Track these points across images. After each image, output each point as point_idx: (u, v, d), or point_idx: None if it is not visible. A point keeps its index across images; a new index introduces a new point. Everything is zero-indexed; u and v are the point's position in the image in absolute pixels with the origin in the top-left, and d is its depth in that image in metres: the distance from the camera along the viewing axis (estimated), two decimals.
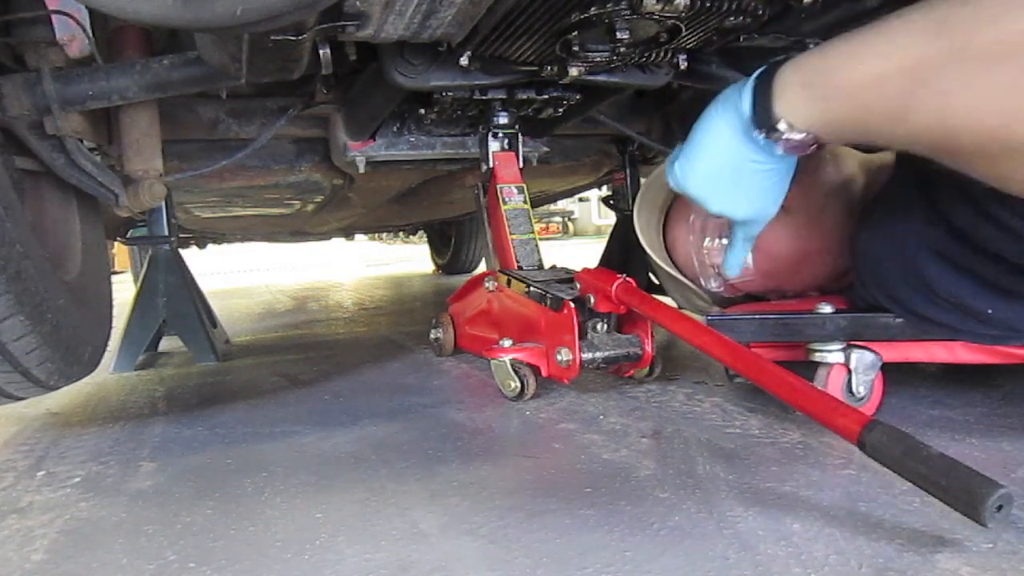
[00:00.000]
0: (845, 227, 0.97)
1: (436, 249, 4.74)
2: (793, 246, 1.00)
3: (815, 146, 0.70)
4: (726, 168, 0.76)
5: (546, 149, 1.62)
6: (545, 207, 8.09)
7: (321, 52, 0.97)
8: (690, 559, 0.59)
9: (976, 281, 0.80)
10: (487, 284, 1.32)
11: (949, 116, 0.57)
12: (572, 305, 1.06)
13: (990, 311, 0.81)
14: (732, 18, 0.96)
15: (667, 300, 1.10)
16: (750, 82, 0.71)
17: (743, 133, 0.73)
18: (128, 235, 2.40)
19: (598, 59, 1.04)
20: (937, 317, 0.84)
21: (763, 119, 0.70)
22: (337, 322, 2.41)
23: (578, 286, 1.12)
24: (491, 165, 1.42)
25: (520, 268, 1.30)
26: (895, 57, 0.58)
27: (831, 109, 0.65)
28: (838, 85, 0.63)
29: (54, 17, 1.01)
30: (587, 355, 1.06)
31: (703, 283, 1.08)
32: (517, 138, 1.43)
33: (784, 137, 0.69)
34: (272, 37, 0.82)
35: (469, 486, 0.78)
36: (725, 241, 1.03)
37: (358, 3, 0.82)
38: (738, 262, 0.90)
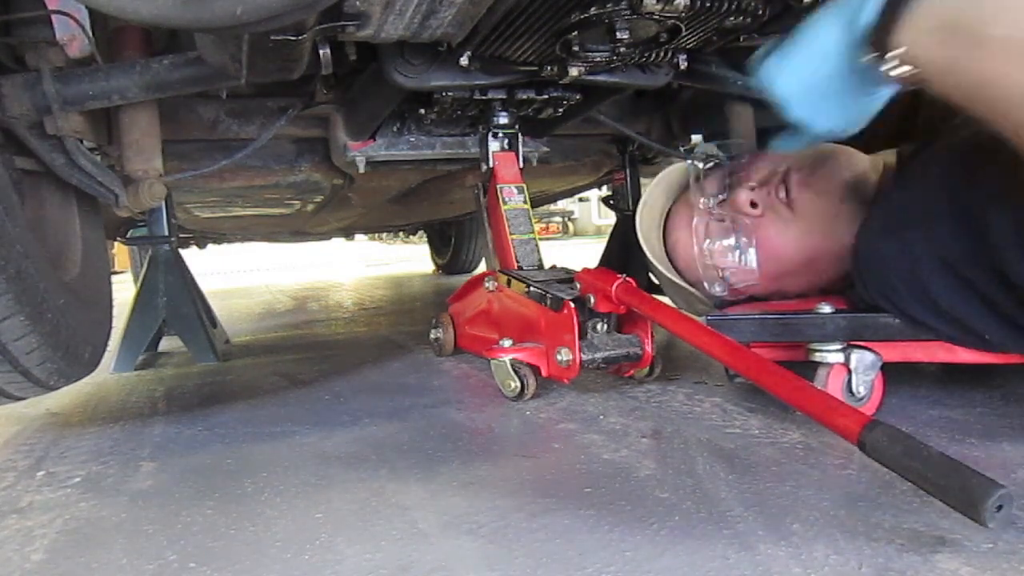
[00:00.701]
0: (854, 229, 0.95)
1: (436, 249, 4.74)
2: (802, 249, 0.99)
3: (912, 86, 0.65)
4: (822, 73, 0.70)
5: (546, 149, 1.62)
6: (545, 207, 8.09)
7: (321, 52, 0.97)
8: (690, 559, 0.59)
9: (982, 303, 0.78)
10: (487, 284, 1.32)
11: None
12: (572, 305, 1.06)
13: (987, 336, 0.80)
14: (732, 18, 0.96)
15: (667, 300, 1.10)
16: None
17: (851, 44, 0.67)
18: (128, 235, 2.39)
19: (598, 59, 1.04)
20: (934, 325, 0.84)
21: (879, 40, 0.63)
22: (337, 322, 2.41)
23: (578, 286, 1.12)
24: (491, 165, 1.42)
25: (520, 268, 1.30)
26: None
27: (965, 63, 0.59)
28: (988, 41, 0.57)
29: (54, 17, 1.01)
30: (587, 355, 1.06)
31: (706, 286, 1.08)
32: (517, 138, 1.43)
33: (890, 70, 0.64)
34: (272, 37, 0.82)
35: (469, 486, 0.78)
36: (728, 243, 1.03)
37: (358, 3, 0.82)
38: (795, 145, 0.81)
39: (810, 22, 0.72)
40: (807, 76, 0.72)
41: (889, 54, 0.63)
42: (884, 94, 0.71)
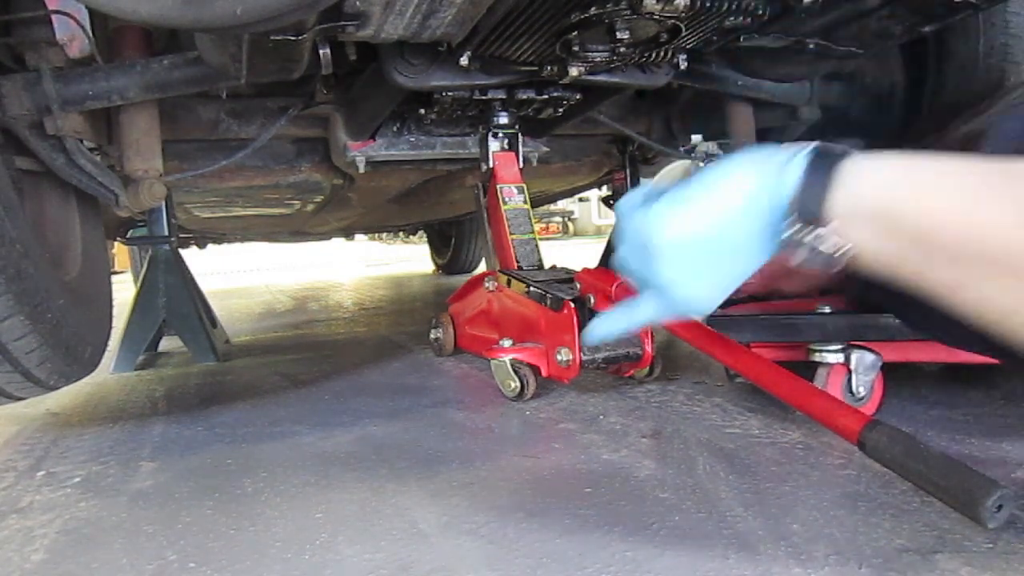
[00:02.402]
0: None
1: (436, 249, 4.74)
2: None
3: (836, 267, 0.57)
4: (720, 233, 0.60)
5: (546, 149, 1.62)
6: (545, 207, 8.09)
7: (321, 52, 0.97)
8: (690, 559, 0.59)
9: None
10: (487, 284, 1.32)
11: None
12: (572, 305, 1.06)
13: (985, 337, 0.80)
14: (732, 18, 0.96)
15: None
16: (802, 156, 0.57)
17: (765, 211, 0.58)
18: (128, 235, 2.39)
19: (598, 59, 1.04)
20: (930, 328, 0.84)
21: (804, 213, 0.56)
22: (337, 322, 2.41)
23: (578, 286, 1.12)
24: (491, 165, 1.42)
25: (520, 268, 1.30)
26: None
27: (898, 255, 0.54)
28: (930, 248, 0.52)
29: (54, 17, 1.01)
30: (587, 355, 1.06)
31: None
32: (517, 138, 1.43)
33: (811, 246, 0.56)
34: (272, 37, 0.82)
35: (469, 486, 0.78)
36: None
37: (358, 3, 0.82)
38: (609, 334, 0.68)
39: (712, 174, 0.62)
40: (701, 232, 0.61)
41: (817, 230, 0.56)
42: (762, 260, 0.62)
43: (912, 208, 0.53)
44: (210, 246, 3.74)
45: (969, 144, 0.78)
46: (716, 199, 0.61)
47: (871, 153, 0.56)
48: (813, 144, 0.57)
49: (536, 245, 1.35)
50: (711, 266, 0.62)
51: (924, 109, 1.44)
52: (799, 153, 0.57)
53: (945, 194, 0.52)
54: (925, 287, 0.54)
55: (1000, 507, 0.55)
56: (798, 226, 0.56)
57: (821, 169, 0.56)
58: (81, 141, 1.10)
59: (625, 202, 0.66)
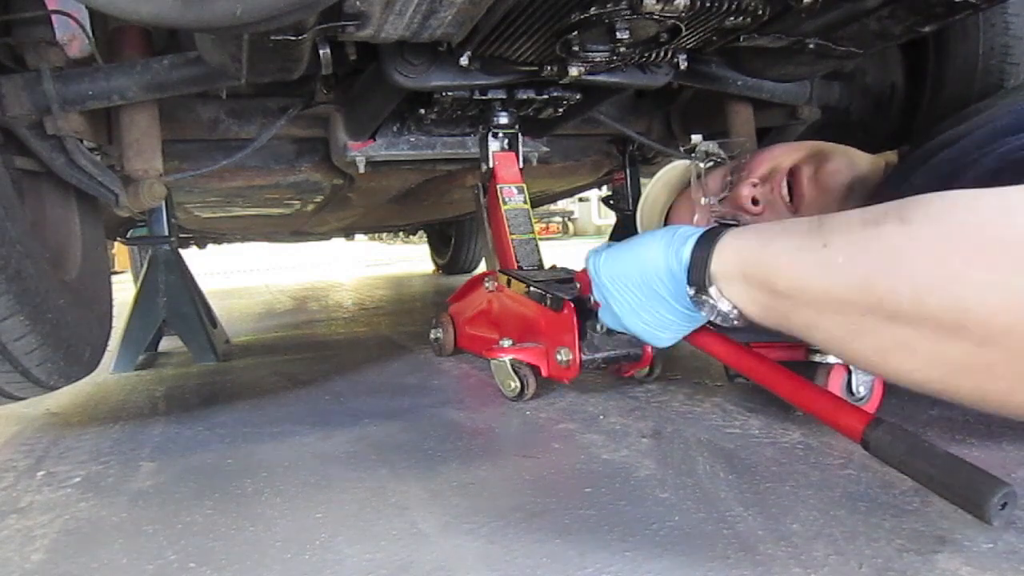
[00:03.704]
0: None
1: (436, 249, 4.74)
2: None
3: (736, 321, 0.70)
4: (643, 286, 0.77)
5: (546, 149, 1.62)
6: (545, 207, 8.09)
7: (321, 52, 0.97)
8: (690, 559, 0.59)
9: None
10: (487, 284, 1.32)
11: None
12: (572, 305, 1.06)
13: None
14: (732, 18, 0.96)
15: None
16: (692, 239, 0.72)
17: (673, 273, 0.74)
18: (128, 235, 2.40)
19: (598, 59, 1.04)
20: None
21: (696, 277, 0.70)
22: (337, 322, 2.41)
23: (578, 286, 1.12)
24: (491, 165, 1.41)
25: (520, 268, 1.30)
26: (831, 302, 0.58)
27: (766, 308, 0.66)
28: (778, 296, 0.63)
29: (54, 17, 1.01)
30: (587, 355, 1.06)
31: None
32: (517, 138, 1.43)
33: (712, 305, 0.70)
34: (272, 37, 0.82)
35: (469, 486, 0.78)
36: None
37: (358, 3, 0.82)
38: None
39: (642, 236, 0.79)
40: (626, 276, 0.79)
41: (709, 293, 0.70)
42: (703, 317, 0.75)
43: (760, 267, 0.65)
44: (210, 246, 3.75)
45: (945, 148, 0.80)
46: (639, 260, 0.77)
47: (738, 230, 0.70)
48: (703, 229, 0.72)
49: (536, 245, 1.35)
50: (645, 308, 0.79)
51: (924, 110, 1.44)
52: (692, 236, 0.72)
53: (780, 251, 0.63)
54: (795, 333, 0.65)
55: (1004, 505, 0.55)
56: (694, 289, 0.71)
57: (704, 246, 0.70)
58: (81, 141, 1.10)
59: (591, 250, 0.87)
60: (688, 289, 0.72)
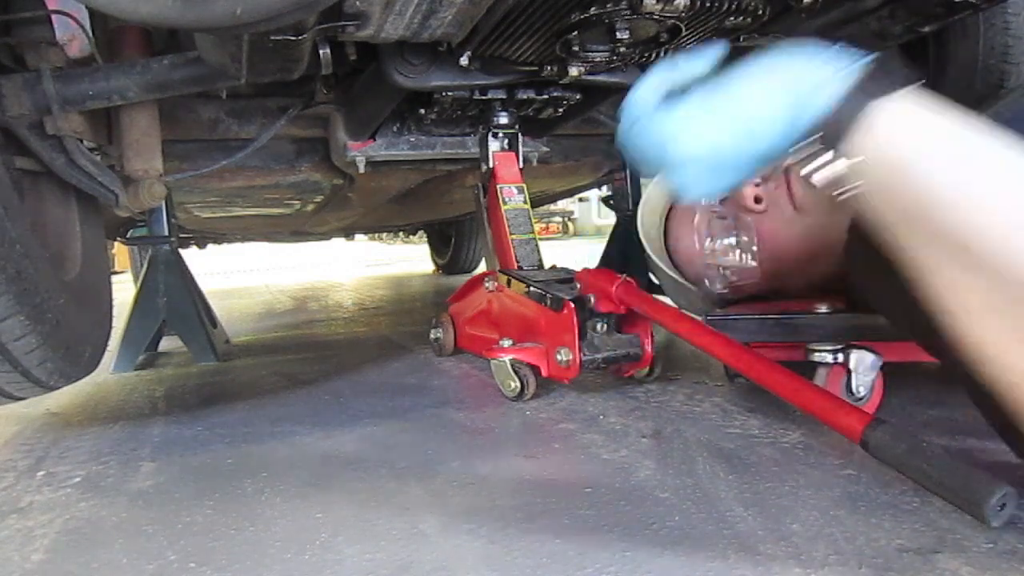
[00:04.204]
0: None
1: (436, 249, 4.74)
2: (804, 246, 0.99)
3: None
4: (738, 145, 0.59)
5: (546, 149, 1.62)
6: (545, 207, 8.09)
7: (321, 52, 0.97)
8: (690, 559, 0.59)
9: None
10: (487, 284, 1.32)
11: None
12: (572, 305, 1.06)
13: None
14: (732, 18, 0.96)
15: (667, 300, 1.10)
16: (842, 80, 0.55)
17: (788, 126, 0.57)
18: (128, 235, 2.39)
19: (598, 59, 1.04)
20: (914, 332, 0.83)
21: (830, 139, 0.55)
22: (337, 322, 2.41)
23: (578, 286, 1.12)
24: (491, 165, 1.42)
25: (520, 268, 1.30)
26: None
27: (900, 218, 0.53)
28: (925, 210, 0.51)
29: (54, 17, 1.01)
30: (587, 355, 1.06)
31: (707, 284, 1.08)
32: (517, 138, 1.43)
33: (824, 171, 0.57)
34: (272, 37, 0.82)
35: (469, 486, 0.78)
36: (730, 241, 1.03)
37: (358, 3, 0.82)
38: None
39: (740, 82, 0.60)
40: (723, 149, 0.60)
41: (838, 159, 0.55)
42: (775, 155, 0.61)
43: (924, 179, 0.51)
44: (210, 246, 3.74)
45: None
46: (745, 115, 0.58)
47: (916, 97, 0.53)
48: (859, 64, 0.55)
49: (536, 245, 1.35)
50: (721, 174, 0.61)
51: None
52: (839, 75, 0.55)
53: (960, 177, 0.50)
54: (906, 256, 0.53)
55: (1003, 505, 0.55)
56: (818, 147, 0.56)
57: (855, 104, 0.53)
58: (81, 141, 1.10)
59: (642, 93, 0.62)
60: (807, 145, 0.57)
